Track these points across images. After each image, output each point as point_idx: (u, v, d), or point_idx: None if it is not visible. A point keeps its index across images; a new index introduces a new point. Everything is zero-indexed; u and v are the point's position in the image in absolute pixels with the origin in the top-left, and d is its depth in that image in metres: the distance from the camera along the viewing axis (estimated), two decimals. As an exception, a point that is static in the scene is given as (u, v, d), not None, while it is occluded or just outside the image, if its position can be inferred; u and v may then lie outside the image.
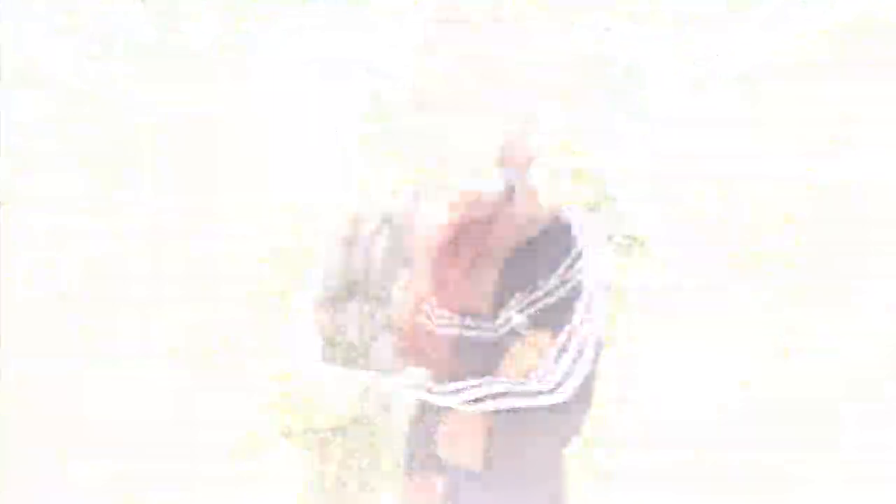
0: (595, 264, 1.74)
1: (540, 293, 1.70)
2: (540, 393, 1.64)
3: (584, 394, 1.67)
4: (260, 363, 3.80)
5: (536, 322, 1.68)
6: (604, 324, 1.71)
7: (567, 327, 1.67)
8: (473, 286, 1.74)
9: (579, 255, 1.73)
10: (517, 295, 1.71)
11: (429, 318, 1.80)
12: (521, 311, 1.70)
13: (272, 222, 3.90)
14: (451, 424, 1.73)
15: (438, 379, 1.78)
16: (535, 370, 1.66)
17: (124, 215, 3.96)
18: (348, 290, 3.38)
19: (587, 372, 1.68)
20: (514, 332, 1.70)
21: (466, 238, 1.75)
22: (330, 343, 3.20)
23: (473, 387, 1.67)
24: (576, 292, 1.69)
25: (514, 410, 1.64)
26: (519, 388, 1.64)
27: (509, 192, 1.70)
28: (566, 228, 1.75)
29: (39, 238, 3.89)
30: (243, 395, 3.82)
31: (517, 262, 1.74)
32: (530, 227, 1.73)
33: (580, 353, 1.68)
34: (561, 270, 1.70)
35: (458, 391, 1.68)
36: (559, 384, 1.66)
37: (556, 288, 1.71)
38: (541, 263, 1.72)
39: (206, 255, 3.94)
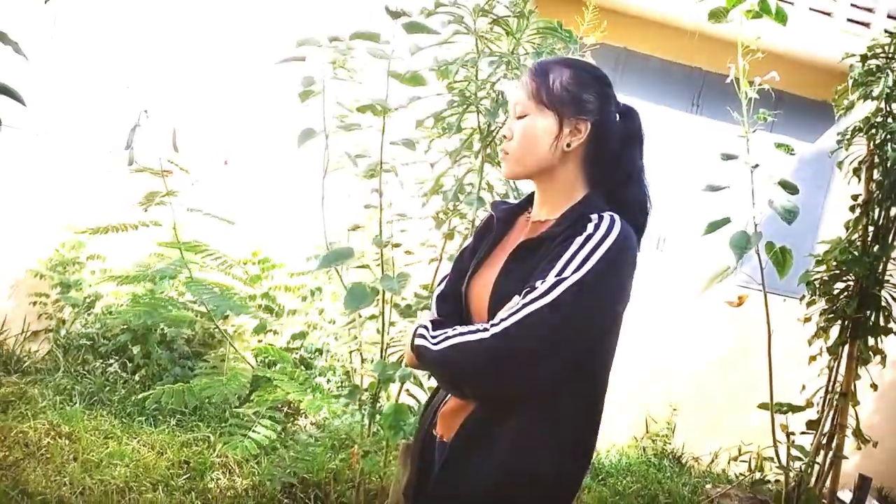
0: (588, 244, 1.79)
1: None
2: (484, 331, 1.72)
3: (529, 337, 1.68)
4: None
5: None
6: (582, 292, 1.70)
7: (536, 288, 1.71)
8: None
9: (580, 232, 1.79)
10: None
11: None
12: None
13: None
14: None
15: None
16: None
17: None
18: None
19: (536, 317, 1.67)
20: None
21: None
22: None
23: (454, 333, 1.78)
24: (557, 258, 1.74)
25: (459, 345, 1.75)
26: (471, 328, 1.76)
27: None
28: (587, 220, 1.84)
29: None
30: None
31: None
32: None
33: (539, 305, 1.68)
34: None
35: (442, 337, 1.80)
36: (498, 324, 1.71)
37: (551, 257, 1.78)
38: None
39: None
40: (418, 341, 1.84)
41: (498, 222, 2.04)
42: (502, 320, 1.69)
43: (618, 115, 1.93)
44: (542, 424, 1.74)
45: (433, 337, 1.81)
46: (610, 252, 1.72)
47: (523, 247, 1.87)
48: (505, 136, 1.96)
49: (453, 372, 1.77)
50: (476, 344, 1.71)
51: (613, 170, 1.94)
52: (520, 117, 1.92)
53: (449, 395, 1.97)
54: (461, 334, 1.76)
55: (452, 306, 2.02)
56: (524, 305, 1.68)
